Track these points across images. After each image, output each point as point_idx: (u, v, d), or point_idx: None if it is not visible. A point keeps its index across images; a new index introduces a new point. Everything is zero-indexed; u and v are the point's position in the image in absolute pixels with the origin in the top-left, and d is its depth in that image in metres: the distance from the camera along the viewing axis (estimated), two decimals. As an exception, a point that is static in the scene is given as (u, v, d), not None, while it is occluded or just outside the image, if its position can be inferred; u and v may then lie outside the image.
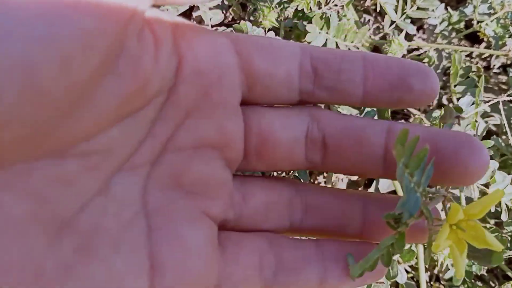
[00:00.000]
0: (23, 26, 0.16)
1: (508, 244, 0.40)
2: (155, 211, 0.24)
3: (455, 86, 0.52)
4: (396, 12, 0.60)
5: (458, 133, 0.26)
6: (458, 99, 0.55)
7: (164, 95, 0.24)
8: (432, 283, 0.62)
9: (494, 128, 0.66)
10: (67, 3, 0.17)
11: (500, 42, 0.58)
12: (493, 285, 0.64)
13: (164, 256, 0.23)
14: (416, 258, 0.52)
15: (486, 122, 0.60)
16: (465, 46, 0.75)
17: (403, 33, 0.61)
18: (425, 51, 0.64)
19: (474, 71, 0.66)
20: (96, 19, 0.18)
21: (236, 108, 0.26)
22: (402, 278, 0.55)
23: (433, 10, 0.59)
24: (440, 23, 0.61)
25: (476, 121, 0.53)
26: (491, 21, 0.61)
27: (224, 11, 0.66)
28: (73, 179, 0.21)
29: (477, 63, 0.75)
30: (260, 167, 0.28)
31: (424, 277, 0.51)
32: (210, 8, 0.65)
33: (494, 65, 0.74)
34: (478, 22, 0.61)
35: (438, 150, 0.25)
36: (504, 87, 0.72)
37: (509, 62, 0.70)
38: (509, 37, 0.58)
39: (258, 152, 0.27)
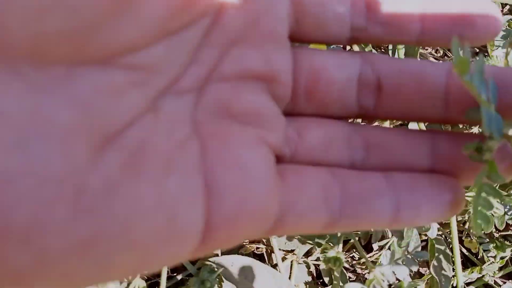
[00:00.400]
0: None
1: None
2: (209, 134, 0.22)
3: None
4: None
5: None
6: (493, 50, 0.53)
7: (211, 17, 0.22)
8: (463, 238, 0.61)
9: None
10: None
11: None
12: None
13: (221, 180, 0.20)
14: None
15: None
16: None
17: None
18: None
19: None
20: None
21: (285, 41, 0.24)
22: (432, 233, 0.54)
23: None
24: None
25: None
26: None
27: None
28: (120, 91, 0.19)
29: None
30: (309, 109, 0.26)
31: (455, 228, 0.50)
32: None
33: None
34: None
35: (509, 85, 0.23)
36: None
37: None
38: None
39: (308, 92, 0.25)
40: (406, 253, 0.40)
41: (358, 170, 0.25)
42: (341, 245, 0.55)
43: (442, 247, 0.56)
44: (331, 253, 0.42)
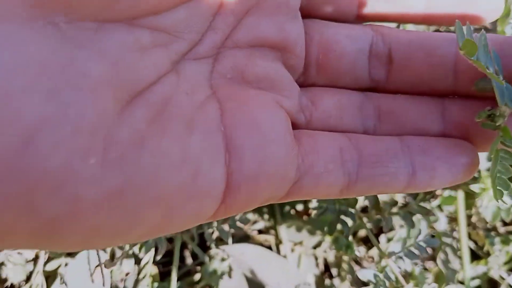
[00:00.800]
0: None
1: None
2: (226, 97, 0.22)
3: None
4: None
5: None
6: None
7: None
8: (470, 231, 0.61)
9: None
10: None
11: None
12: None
13: (241, 140, 0.21)
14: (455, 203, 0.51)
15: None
16: None
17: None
18: None
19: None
20: None
21: (297, 13, 0.25)
22: (441, 225, 0.55)
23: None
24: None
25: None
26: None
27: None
28: (146, 50, 0.19)
29: None
30: (321, 81, 0.26)
31: (464, 220, 0.50)
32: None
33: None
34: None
35: (506, 54, 0.23)
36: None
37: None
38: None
39: (319, 63, 0.26)
40: (416, 241, 0.40)
41: (372, 136, 0.25)
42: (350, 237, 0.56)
43: (449, 240, 0.57)
44: (343, 241, 0.43)
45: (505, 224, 0.65)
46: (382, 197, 0.55)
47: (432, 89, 0.26)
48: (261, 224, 0.59)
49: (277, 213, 0.55)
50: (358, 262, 0.58)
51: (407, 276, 0.40)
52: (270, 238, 0.57)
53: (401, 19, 0.26)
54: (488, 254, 0.59)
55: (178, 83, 0.21)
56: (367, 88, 0.27)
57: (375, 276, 0.38)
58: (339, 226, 0.44)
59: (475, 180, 0.51)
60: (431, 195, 0.44)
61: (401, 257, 0.44)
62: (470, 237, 0.58)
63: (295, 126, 0.25)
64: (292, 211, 0.57)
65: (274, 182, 0.22)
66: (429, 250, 0.63)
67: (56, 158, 0.15)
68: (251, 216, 0.58)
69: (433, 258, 0.58)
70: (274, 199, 0.23)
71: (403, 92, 0.27)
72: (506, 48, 0.24)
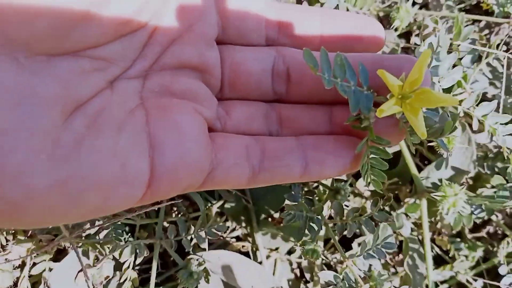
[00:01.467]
0: None
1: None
2: (153, 105, 0.28)
3: (458, 46, 0.55)
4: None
5: (402, 55, 0.29)
6: (460, 58, 0.57)
7: (154, 23, 0.28)
8: (435, 237, 0.64)
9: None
10: None
11: (502, 9, 0.61)
12: (490, 247, 0.66)
13: (162, 138, 0.26)
14: (420, 212, 0.55)
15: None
16: (473, 20, 0.78)
17: (410, 1, 0.63)
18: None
19: (476, 39, 0.69)
20: None
21: (213, 41, 0.30)
22: (406, 231, 0.58)
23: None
24: (446, -7, 0.64)
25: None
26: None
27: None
28: (86, 73, 0.25)
29: (485, 35, 0.77)
30: (234, 96, 0.32)
31: (427, 227, 0.53)
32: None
33: (503, 38, 0.76)
34: (482, -8, 0.63)
35: (384, 68, 0.27)
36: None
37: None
38: (511, 6, 0.60)
39: (231, 82, 0.31)
40: (376, 245, 0.43)
41: (274, 137, 0.31)
42: (321, 243, 0.59)
43: (416, 246, 0.60)
44: (309, 246, 0.46)
45: (472, 230, 0.68)
46: (347, 205, 0.59)
47: (321, 99, 0.32)
48: (239, 232, 0.62)
49: (253, 221, 0.58)
50: (330, 266, 0.60)
51: (367, 278, 0.43)
52: (247, 245, 0.60)
53: (301, 47, 0.31)
54: (454, 259, 0.62)
55: (112, 96, 0.27)
56: (273, 100, 0.32)
57: (335, 277, 0.41)
58: (307, 232, 0.47)
59: (435, 189, 0.54)
60: (389, 203, 0.47)
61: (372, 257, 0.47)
62: (435, 242, 0.61)
63: (212, 131, 0.31)
64: (268, 219, 0.60)
65: (191, 173, 0.27)
66: (398, 255, 0.66)
67: (15, 156, 0.21)
68: (229, 224, 0.62)
69: (402, 263, 0.61)
70: (192, 187, 0.28)
71: (300, 102, 0.32)
72: (375, 65, 0.29)
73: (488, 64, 0.56)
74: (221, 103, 0.32)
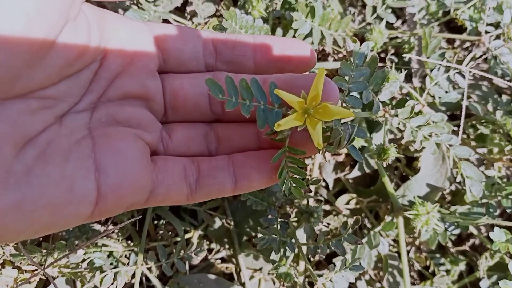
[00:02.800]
0: None
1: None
2: (99, 135, 0.31)
3: (428, 57, 0.56)
4: (376, 2, 0.64)
5: (312, 74, 0.32)
6: (431, 70, 0.59)
7: (98, 62, 0.32)
8: (412, 254, 0.65)
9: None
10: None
11: (475, 26, 0.62)
12: (475, 260, 0.67)
13: (106, 162, 0.30)
14: (397, 228, 0.56)
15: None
16: (448, 38, 0.79)
17: (384, 22, 0.64)
18: (406, 39, 0.68)
19: (451, 56, 0.70)
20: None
21: (154, 72, 0.34)
22: (384, 249, 0.59)
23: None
24: (419, 12, 0.65)
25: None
26: (468, 8, 0.65)
27: (216, 5, 0.70)
28: (35, 111, 0.29)
29: (458, 53, 0.78)
30: (177, 118, 0.35)
31: (404, 245, 0.54)
32: (202, 2, 0.69)
33: (476, 54, 0.77)
34: (454, 10, 0.64)
35: (296, 87, 0.32)
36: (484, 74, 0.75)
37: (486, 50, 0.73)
38: (482, 23, 0.61)
39: (173, 106, 0.35)
40: (345, 265, 0.44)
41: (210, 157, 0.35)
42: (302, 263, 0.60)
43: (396, 263, 0.61)
44: (282, 269, 0.47)
45: (456, 244, 0.69)
46: (319, 228, 0.60)
47: (251, 118, 0.33)
48: (223, 253, 0.63)
49: (235, 243, 0.59)
50: (312, 284, 0.61)
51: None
52: (231, 266, 0.62)
53: (239, 73, 0.35)
54: (435, 274, 0.62)
55: (60, 129, 0.30)
56: (213, 120, 0.36)
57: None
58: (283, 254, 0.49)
59: (410, 207, 0.55)
60: (358, 225, 0.48)
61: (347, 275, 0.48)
62: (414, 259, 0.62)
63: (156, 153, 0.34)
64: (250, 241, 0.62)
65: (134, 191, 0.31)
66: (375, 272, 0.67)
67: None
68: (213, 245, 0.63)
69: (380, 279, 0.62)
70: (137, 204, 0.32)
71: (235, 121, 0.36)
72: (287, 84, 0.32)
73: (448, 79, 0.57)
74: (166, 126, 0.35)
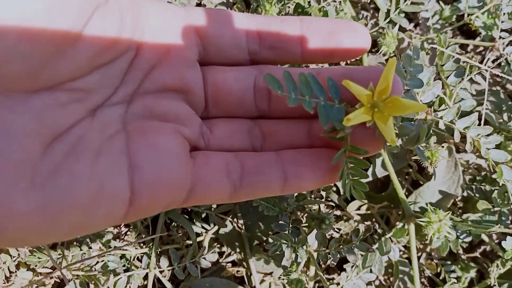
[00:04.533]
0: None
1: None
2: (134, 129, 0.29)
3: (442, 65, 0.56)
4: (390, 4, 0.63)
5: (373, 66, 0.30)
6: (447, 77, 0.58)
7: (133, 51, 0.30)
8: (423, 261, 0.65)
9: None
10: None
11: (489, 33, 0.62)
12: (486, 266, 0.67)
13: (141, 158, 0.28)
14: (408, 234, 0.56)
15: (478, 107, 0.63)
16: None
17: (397, 26, 0.64)
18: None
19: (464, 62, 0.70)
20: None
21: (194, 62, 0.32)
22: (395, 255, 0.59)
23: (423, 4, 0.62)
24: (432, 17, 0.65)
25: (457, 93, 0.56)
26: (482, 13, 0.64)
27: (229, 8, 0.70)
28: (64, 105, 0.27)
29: (472, 57, 0.78)
30: (219, 113, 0.33)
31: (415, 252, 0.54)
32: (215, 6, 0.69)
33: (488, 59, 0.77)
34: (468, 15, 0.64)
35: (355, 80, 0.28)
36: (498, 79, 0.75)
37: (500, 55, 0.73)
38: (497, 29, 0.61)
39: (214, 100, 0.33)
40: (356, 273, 0.45)
41: (255, 152, 0.32)
42: (313, 268, 0.60)
43: (407, 269, 0.61)
44: (293, 276, 0.47)
45: (467, 250, 0.69)
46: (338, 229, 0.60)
47: (302, 114, 0.32)
48: (234, 257, 0.64)
49: (246, 247, 0.60)
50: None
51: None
52: (242, 270, 0.62)
53: (284, 62, 0.33)
54: (446, 281, 0.62)
55: (92, 124, 0.28)
56: (257, 116, 0.33)
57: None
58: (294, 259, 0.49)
59: (422, 214, 0.55)
60: (370, 233, 0.48)
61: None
62: (424, 265, 0.62)
63: (196, 149, 0.32)
64: (261, 245, 0.62)
65: (172, 189, 0.28)
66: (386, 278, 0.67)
67: None
68: (224, 249, 0.63)
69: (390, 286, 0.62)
70: (175, 203, 0.30)
71: (282, 117, 0.33)
72: (345, 77, 0.29)
73: (472, 81, 0.57)
74: (206, 121, 0.33)
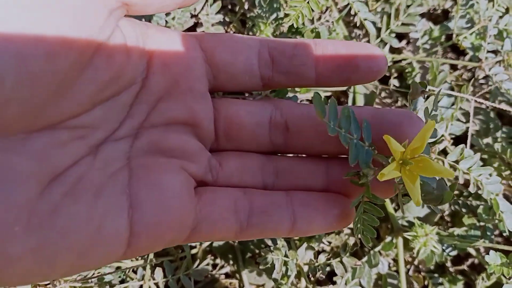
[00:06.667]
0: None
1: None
2: (138, 166, 0.28)
3: (433, 91, 0.58)
4: (381, 25, 0.66)
5: (402, 110, 0.30)
6: (438, 101, 0.60)
7: (139, 84, 0.29)
8: (411, 273, 0.66)
9: (474, 133, 0.71)
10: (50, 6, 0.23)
11: (476, 53, 0.64)
12: (473, 279, 0.68)
13: (143, 198, 0.27)
14: (396, 248, 0.57)
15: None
16: (451, 58, 0.81)
17: (387, 47, 0.66)
18: (409, 62, 0.70)
19: (453, 81, 0.72)
20: (72, 21, 0.24)
21: (204, 94, 0.31)
22: (383, 268, 0.60)
23: (414, 25, 0.64)
24: (422, 37, 0.67)
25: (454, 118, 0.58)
26: (470, 34, 0.66)
27: (226, 27, 0.72)
28: (65, 143, 0.26)
29: (462, 74, 0.80)
30: (230, 147, 0.32)
31: (403, 265, 0.56)
32: (212, 25, 0.71)
33: (478, 75, 0.79)
34: (457, 35, 0.66)
35: (384, 122, 0.29)
36: (487, 95, 0.77)
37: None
38: (483, 50, 0.63)
39: (226, 133, 0.32)
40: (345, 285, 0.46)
41: (265, 190, 0.31)
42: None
43: (395, 282, 0.62)
44: (284, 288, 0.49)
45: (455, 263, 0.70)
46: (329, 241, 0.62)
47: (320, 151, 0.32)
48: (227, 268, 0.65)
49: (239, 259, 0.61)
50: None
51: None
52: (235, 282, 0.64)
53: (299, 86, 0.32)
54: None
55: (93, 162, 0.27)
56: (271, 151, 0.33)
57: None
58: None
59: (409, 228, 0.57)
60: (358, 246, 0.50)
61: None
62: (413, 278, 0.64)
63: (204, 183, 0.31)
64: (254, 257, 0.64)
65: (173, 228, 0.28)
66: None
67: None
68: (218, 261, 0.65)
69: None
70: (177, 241, 0.29)
71: (298, 153, 0.33)
72: (376, 118, 0.29)
73: (460, 108, 0.59)
74: (217, 154, 0.32)
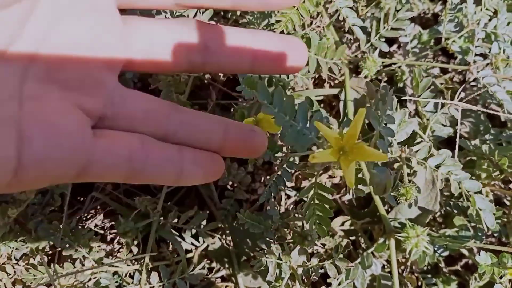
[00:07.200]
0: None
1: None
2: (30, 97, 0.27)
3: (419, 96, 0.59)
4: (368, 30, 0.67)
5: (291, 37, 0.33)
6: (423, 106, 0.62)
7: None
8: (405, 274, 0.67)
9: (465, 134, 0.73)
10: None
11: (465, 57, 0.65)
12: (467, 279, 0.69)
13: (32, 132, 0.26)
14: (389, 249, 0.58)
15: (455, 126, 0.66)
16: (442, 61, 0.82)
17: (377, 51, 0.67)
18: (399, 66, 0.71)
19: (442, 83, 0.73)
20: None
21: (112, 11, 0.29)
22: (376, 270, 0.61)
23: (403, 30, 0.66)
24: (411, 41, 0.68)
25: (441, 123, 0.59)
26: (459, 37, 0.67)
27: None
28: None
29: (453, 77, 0.81)
30: (145, 68, 0.32)
31: (395, 266, 0.57)
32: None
33: (469, 78, 0.80)
34: (445, 39, 0.67)
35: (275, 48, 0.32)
36: (478, 98, 0.78)
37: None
38: (471, 54, 0.64)
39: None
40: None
41: (162, 142, 0.32)
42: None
43: (389, 283, 0.63)
44: (277, 290, 0.50)
45: (448, 263, 0.71)
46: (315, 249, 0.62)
47: (237, 68, 0.34)
48: (223, 272, 0.66)
49: (234, 263, 0.62)
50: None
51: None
52: (230, 285, 0.64)
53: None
54: (427, 294, 0.65)
55: None
56: (189, 70, 0.34)
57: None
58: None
59: (401, 229, 0.58)
60: (352, 247, 0.51)
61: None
62: (406, 279, 0.64)
63: (102, 120, 0.31)
64: (249, 260, 0.64)
65: (61, 166, 0.28)
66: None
67: None
68: (214, 265, 0.66)
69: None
70: (64, 179, 0.29)
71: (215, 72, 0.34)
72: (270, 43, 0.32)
73: (445, 113, 0.61)
74: (127, 90, 0.32)
